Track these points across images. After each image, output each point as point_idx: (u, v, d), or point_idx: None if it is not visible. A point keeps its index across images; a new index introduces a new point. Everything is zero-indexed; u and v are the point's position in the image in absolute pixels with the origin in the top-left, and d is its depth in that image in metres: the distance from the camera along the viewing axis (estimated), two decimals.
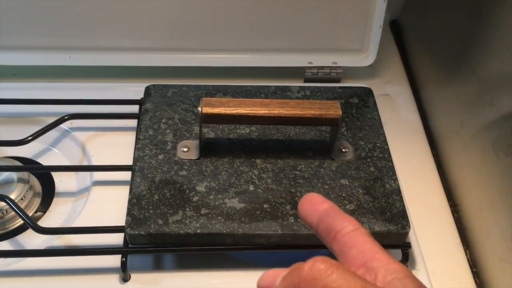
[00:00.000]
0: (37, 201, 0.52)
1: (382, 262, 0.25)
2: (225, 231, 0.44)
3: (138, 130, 0.52)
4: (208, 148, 0.50)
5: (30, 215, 0.50)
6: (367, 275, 0.25)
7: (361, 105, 0.55)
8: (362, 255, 0.25)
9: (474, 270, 0.51)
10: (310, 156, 0.50)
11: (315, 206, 0.29)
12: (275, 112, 0.46)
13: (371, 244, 0.26)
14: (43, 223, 0.50)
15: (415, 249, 0.48)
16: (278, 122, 0.47)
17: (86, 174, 0.53)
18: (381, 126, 0.53)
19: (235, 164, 0.49)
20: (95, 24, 0.58)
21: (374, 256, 0.25)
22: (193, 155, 0.49)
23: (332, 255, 0.27)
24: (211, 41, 0.60)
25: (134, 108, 0.56)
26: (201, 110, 0.46)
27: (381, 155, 0.50)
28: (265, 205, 0.46)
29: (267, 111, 0.46)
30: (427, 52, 0.67)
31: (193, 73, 0.62)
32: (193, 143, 0.50)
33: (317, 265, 0.23)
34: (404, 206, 0.47)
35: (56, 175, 0.54)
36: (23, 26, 0.58)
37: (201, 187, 0.47)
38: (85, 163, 0.54)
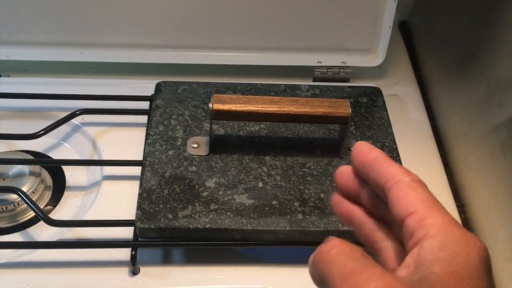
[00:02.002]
0: (48, 195, 0.52)
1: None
2: (234, 227, 0.44)
3: (149, 125, 0.52)
4: (218, 145, 0.50)
5: (41, 208, 0.51)
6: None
7: (370, 105, 0.56)
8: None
9: None
10: (319, 154, 0.50)
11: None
12: (285, 109, 0.46)
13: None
14: (53, 216, 0.50)
15: None
16: (288, 119, 0.47)
17: (97, 168, 0.54)
18: (389, 126, 0.54)
19: (244, 161, 0.49)
20: (107, 21, 0.58)
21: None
22: (203, 151, 0.50)
23: None
24: (222, 39, 0.60)
25: (145, 104, 0.56)
26: (212, 106, 0.46)
27: (389, 154, 0.51)
28: (274, 202, 0.46)
29: (277, 108, 0.46)
30: (436, 53, 0.67)
31: (203, 70, 0.63)
32: (203, 140, 0.51)
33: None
34: None
35: (67, 169, 0.55)
36: (36, 22, 0.58)
37: (210, 183, 0.47)
38: (95, 157, 0.55)
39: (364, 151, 0.28)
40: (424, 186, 0.26)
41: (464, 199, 0.57)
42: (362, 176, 0.29)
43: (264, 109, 0.46)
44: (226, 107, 0.46)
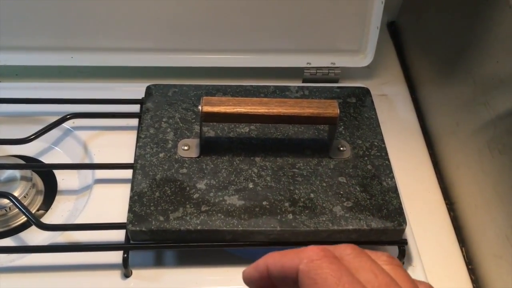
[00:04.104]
0: (39, 199, 0.53)
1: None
2: (225, 228, 0.45)
3: (140, 129, 0.52)
4: (208, 147, 0.51)
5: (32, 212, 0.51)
6: None
7: (358, 105, 0.56)
8: None
9: (469, 266, 0.52)
10: (309, 154, 0.51)
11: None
12: (274, 110, 0.47)
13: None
14: (45, 220, 0.51)
15: (412, 246, 0.49)
16: (277, 120, 0.48)
17: (88, 172, 0.54)
18: (378, 125, 0.54)
19: (234, 162, 0.50)
20: (97, 25, 0.59)
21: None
22: (194, 153, 0.50)
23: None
24: (211, 42, 0.61)
25: (135, 108, 0.56)
26: (202, 108, 0.47)
27: (378, 154, 0.51)
28: (264, 202, 0.47)
29: (266, 110, 0.47)
30: (424, 53, 0.68)
31: (193, 73, 0.63)
32: (194, 142, 0.51)
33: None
34: (400, 203, 0.48)
35: (58, 173, 0.55)
36: (26, 26, 0.58)
37: (201, 185, 0.48)
38: (87, 161, 0.55)
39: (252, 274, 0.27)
40: (323, 265, 0.24)
41: (453, 197, 0.57)
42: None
43: (253, 111, 0.47)
44: (215, 109, 0.47)
